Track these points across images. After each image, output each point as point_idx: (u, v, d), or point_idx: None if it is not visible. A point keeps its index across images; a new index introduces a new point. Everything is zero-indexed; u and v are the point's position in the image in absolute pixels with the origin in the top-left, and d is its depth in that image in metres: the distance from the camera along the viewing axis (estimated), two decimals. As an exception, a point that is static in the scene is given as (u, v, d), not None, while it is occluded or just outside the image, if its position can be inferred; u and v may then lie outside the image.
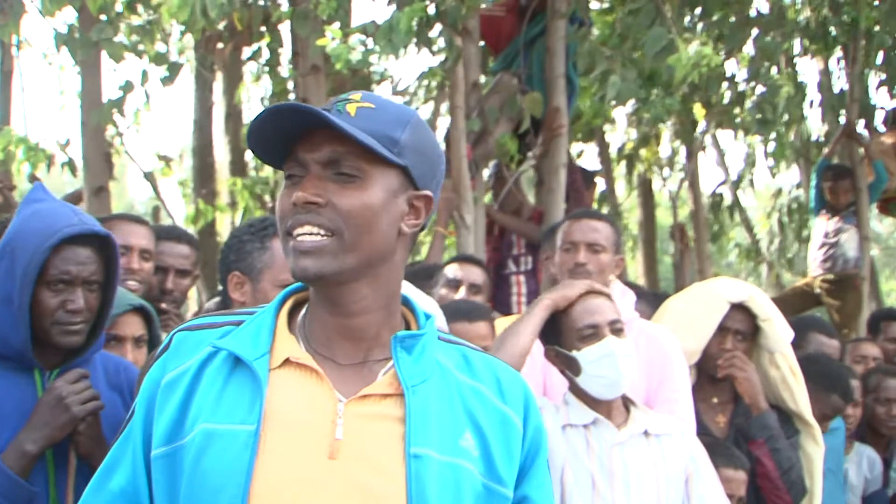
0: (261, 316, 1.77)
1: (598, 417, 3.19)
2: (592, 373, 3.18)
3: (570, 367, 3.20)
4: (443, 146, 6.95)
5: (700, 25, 7.56)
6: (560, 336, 3.25)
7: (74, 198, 5.82)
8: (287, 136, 1.70)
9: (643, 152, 10.52)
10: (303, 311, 1.80)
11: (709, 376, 3.92)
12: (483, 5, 6.45)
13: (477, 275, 4.59)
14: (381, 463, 1.62)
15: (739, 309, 3.91)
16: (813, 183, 8.77)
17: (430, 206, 1.75)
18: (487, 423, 1.72)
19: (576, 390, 3.26)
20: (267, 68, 8.57)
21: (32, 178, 5.43)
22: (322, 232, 1.66)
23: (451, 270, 4.66)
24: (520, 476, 1.76)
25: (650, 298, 4.67)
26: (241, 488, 1.58)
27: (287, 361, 1.70)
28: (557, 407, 3.25)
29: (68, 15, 6.94)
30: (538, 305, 3.27)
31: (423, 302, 3.59)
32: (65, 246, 2.61)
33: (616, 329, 3.21)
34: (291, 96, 7.93)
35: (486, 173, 7.27)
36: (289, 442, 1.63)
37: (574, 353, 3.20)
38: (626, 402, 3.29)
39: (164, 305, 4.05)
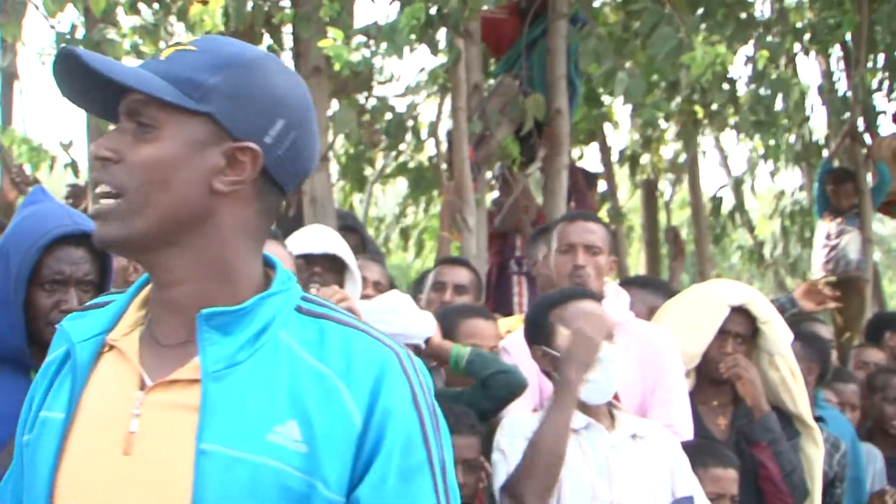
0: (120, 295, 1.61)
1: (591, 422, 3.19)
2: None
3: (557, 369, 3.20)
4: (445, 145, 6.96)
5: (703, 26, 7.56)
6: (548, 337, 3.24)
7: (74, 193, 5.83)
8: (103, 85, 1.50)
9: (646, 155, 10.52)
10: None
11: (709, 379, 3.92)
12: (485, 7, 6.45)
13: (463, 276, 4.58)
14: (172, 460, 1.43)
15: (739, 312, 3.91)
16: (816, 185, 8.77)
17: (258, 159, 1.49)
18: (321, 411, 1.44)
19: None
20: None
21: (34, 180, 5.44)
22: (111, 191, 1.47)
23: (436, 273, 4.66)
24: (357, 475, 1.46)
25: (666, 290, 4.64)
26: (47, 481, 1.47)
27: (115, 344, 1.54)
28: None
29: (70, 16, 6.95)
30: (568, 391, 3.10)
31: (413, 312, 3.60)
32: (59, 246, 2.60)
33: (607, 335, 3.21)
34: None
35: (489, 175, 7.27)
36: (91, 434, 1.48)
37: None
38: (609, 406, 3.29)
39: None
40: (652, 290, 4.58)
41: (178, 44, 1.54)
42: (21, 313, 2.57)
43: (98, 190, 1.49)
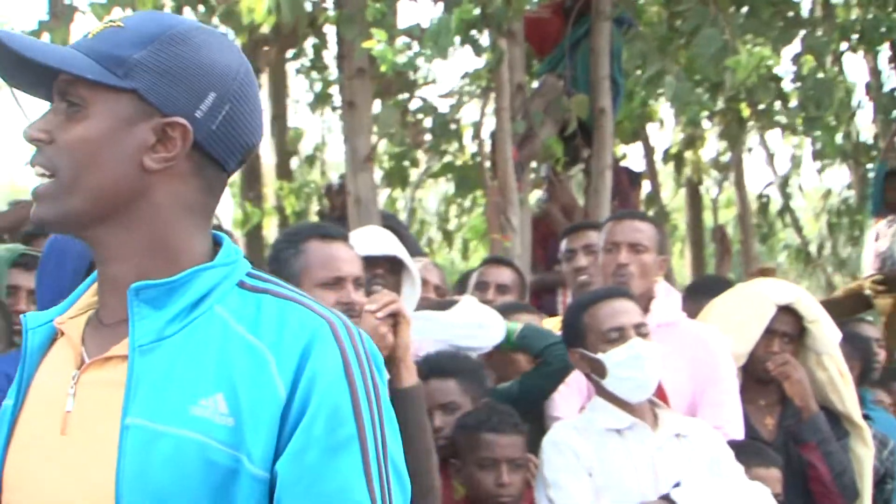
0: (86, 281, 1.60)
1: (635, 421, 3.18)
2: (620, 375, 3.17)
3: (595, 370, 3.20)
4: (488, 145, 6.96)
5: (748, 26, 7.51)
6: (584, 339, 3.24)
7: None
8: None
9: (689, 154, 10.46)
10: None
11: (756, 378, 3.89)
12: (528, 7, 6.45)
13: (506, 276, 4.59)
14: (101, 437, 1.40)
15: (786, 311, 3.87)
16: (872, 185, 8.67)
17: (188, 134, 1.45)
18: (248, 384, 1.39)
19: (604, 395, 3.25)
20: (311, 70, 8.63)
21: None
22: (45, 172, 1.46)
23: (479, 273, 4.67)
24: (281, 449, 1.39)
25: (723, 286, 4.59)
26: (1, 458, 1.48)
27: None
28: (588, 413, 3.24)
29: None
30: None
31: (484, 312, 3.61)
32: None
33: (642, 332, 3.20)
34: (337, 99, 7.96)
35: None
36: (35, 417, 1.48)
37: (599, 355, 3.19)
38: (652, 405, 3.28)
39: None
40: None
41: (110, 21, 1.50)
42: None
43: (35, 171, 1.47)
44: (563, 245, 4.70)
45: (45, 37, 7.08)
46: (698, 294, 4.35)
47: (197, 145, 1.47)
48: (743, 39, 5.74)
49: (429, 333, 3.40)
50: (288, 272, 2.93)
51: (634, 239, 3.80)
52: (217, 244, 1.54)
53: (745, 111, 8.69)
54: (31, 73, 1.49)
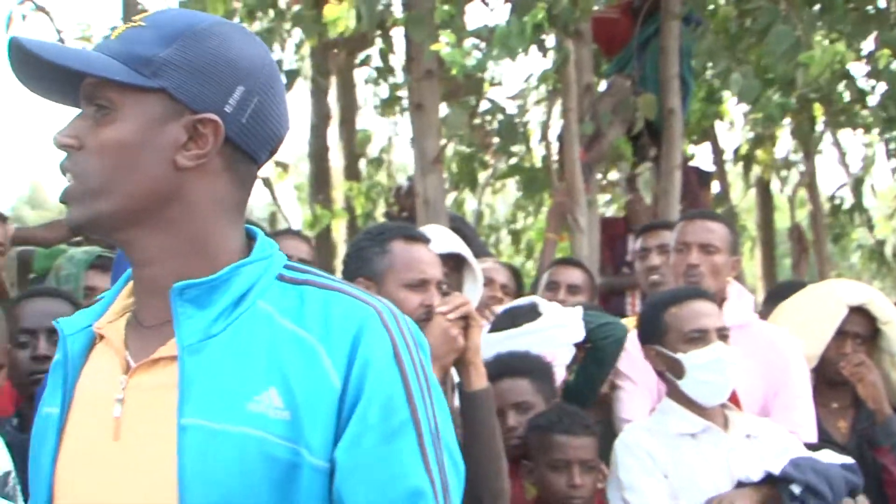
0: (116, 284, 1.58)
1: (708, 425, 3.16)
2: (698, 377, 3.15)
3: (672, 370, 3.18)
4: (556, 147, 6.96)
5: (820, 23, 7.42)
6: (663, 337, 3.22)
7: None
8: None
9: (759, 153, 10.35)
10: None
11: (828, 381, 3.84)
12: (596, 7, 6.44)
13: (576, 276, 4.59)
14: (156, 440, 1.40)
15: (858, 312, 3.83)
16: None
17: (219, 130, 1.44)
18: (300, 376, 1.39)
19: (677, 397, 3.23)
20: (377, 74, 8.67)
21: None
22: (74, 177, 1.45)
23: (550, 273, 4.68)
24: (338, 438, 1.39)
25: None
26: (47, 476, 1.47)
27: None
28: (659, 416, 3.23)
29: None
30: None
31: (560, 312, 3.62)
32: None
33: (723, 336, 3.17)
34: (405, 102, 8.01)
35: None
36: (83, 424, 1.47)
37: (679, 355, 3.17)
38: (722, 406, 3.26)
39: None
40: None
41: (129, 21, 1.49)
42: None
43: (66, 177, 1.46)
44: (637, 244, 4.69)
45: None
46: (779, 299, 4.30)
47: (228, 140, 1.46)
48: (816, 35, 5.65)
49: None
50: (371, 270, 2.93)
51: (705, 239, 3.78)
52: (251, 238, 1.53)
53: (819, 110, 8.57)
54: (55, 79, 1.48)
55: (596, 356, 3.51)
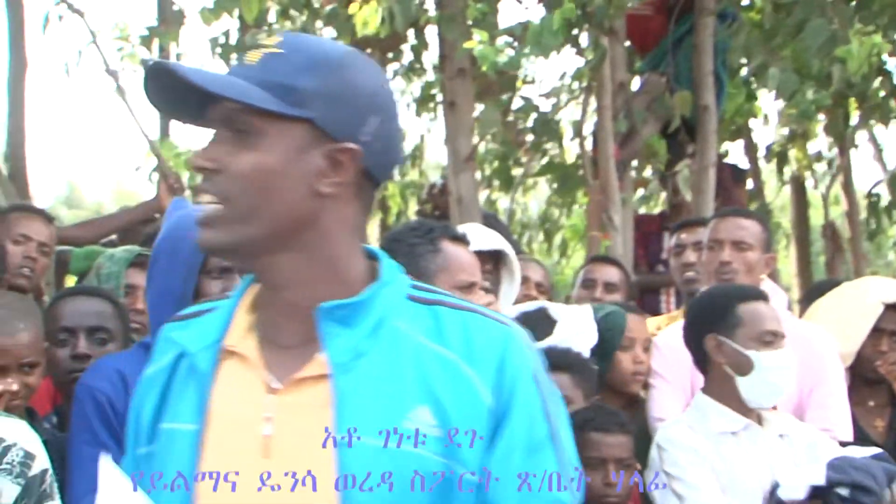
0: (228, 300, 1.61)
1: (748, 423, 3.15)
2: (766, 378, 3.11)
3: (737, 365, 3.14)
4: (590, 144, 6.95)
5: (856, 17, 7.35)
6: (732, 330, 3.16)
7: None
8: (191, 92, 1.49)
9: (793, 150, 10.28)
10: None
11: (864, 379, 3.82)
12: (630, 4, 6.43)
13: (612, 274, 4.58)
14: (311, 456, 1.45)
15: (894, 309, 3.81)
16: None
17: (357, 158, 1.50)
18: (451, 395, 1.47)
19: (717, 393, 3.20)
20: (409, 71, 8.68)
21: (189, 187, 5.64)
22: (216, 200, 1.49)
23: (586, 270, 4.67)
24: (487, 450, 1.48)
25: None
26: (186, 491, 1.48)
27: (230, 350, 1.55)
28: (695, 412, 3.21)
29: (225, 25, 7.17)
30: None
31: (576, 318, 3.62)
32: None
33: (784, 343, 3.17)
34: (438, 99, 8.02)
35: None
36: (226, 441, 1.50)
37: (750, 352, 3.14)
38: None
39: None
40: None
41: (261, 45, 1.53)
42: (190, 302, 2.65)
43: (204, 199, 1.50)
44: (673, 240, 4.68)
45: (155, 42, 7.28)
46: (815, 299, 4.27)
47: (360, 167, 1.52)
48: (852, 30, 5.58)
49: None
50: (422, 268, 2.90)
51: (738, 236, 3.76)
52: (371, 257, 1.60)
53: (853, 106, 8.50)
54: (188, 102, 1.52)
55: (602, 349, 3.51)
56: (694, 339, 3.28)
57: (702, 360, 3.26)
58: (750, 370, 3.12)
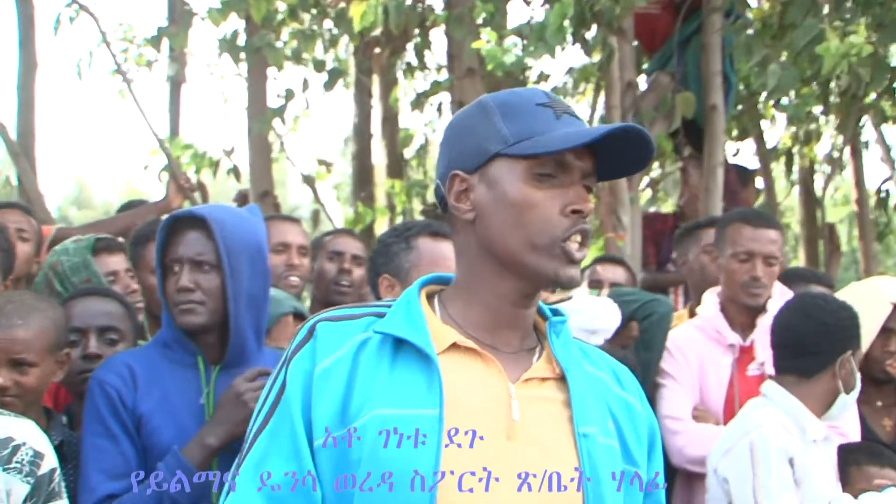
0: (405, 305, 1.77)
1: (829, 434, 3.19)
2: (852, 398, 3.21)
3: (849, 381, 3.17)
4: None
5: (855, 17, 7.33)
6: (856, 350, 3.22)
7: (241, 197, 5.98)
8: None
9: (802, 149, 10.26)
10: (437, 300, 1.82)
11: (872, 379, 3.82)
12: (638, 3, 6.43)
13: (618, 273, 4.60)
14: (552, 443, 1.69)
15: (902, 309, 3.81)
16: None
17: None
18: (617, 409, 1.79)
19: (812, 401, 3.17)
20: (411, 69, 8.69)
21: (199, 186, 5.56)
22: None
23: (592, 271, 4.68)
24: (647, 457, 1.83)
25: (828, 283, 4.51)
26: (432, 469, 1.60)
27: (454, 346, 1.71)
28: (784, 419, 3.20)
29: (233, 24, 7.19)
30: None
31: (596, 302, 3.63)
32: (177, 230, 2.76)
33: None
34: (446, 95, 8.00)
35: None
36: (469, 425, 1.65)
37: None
38: None
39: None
40: (815, 283, 4.47)
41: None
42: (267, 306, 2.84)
43: (579, 239, 1.71)
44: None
45: (165, 42, 7.30)
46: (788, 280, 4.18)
47: None
48: (842, 28, 5.54)
49: None
50: (396, 266, 2.97)
51: (770, 251, 3.73)
52: None
53: (851, 104, 8.48)
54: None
55: (644, 339, 3.51)
56: (832, 350, 3.20)
57: (812, 367, 3.19)
58: (853, 388, 3.16)
